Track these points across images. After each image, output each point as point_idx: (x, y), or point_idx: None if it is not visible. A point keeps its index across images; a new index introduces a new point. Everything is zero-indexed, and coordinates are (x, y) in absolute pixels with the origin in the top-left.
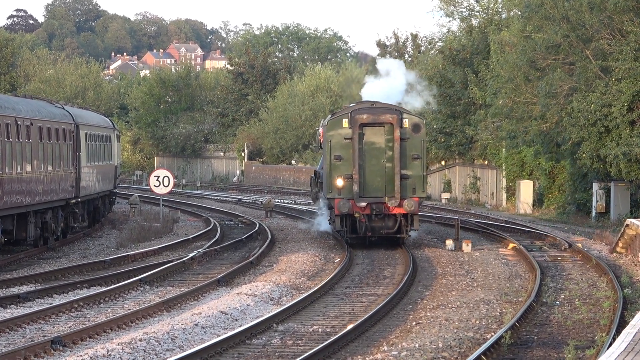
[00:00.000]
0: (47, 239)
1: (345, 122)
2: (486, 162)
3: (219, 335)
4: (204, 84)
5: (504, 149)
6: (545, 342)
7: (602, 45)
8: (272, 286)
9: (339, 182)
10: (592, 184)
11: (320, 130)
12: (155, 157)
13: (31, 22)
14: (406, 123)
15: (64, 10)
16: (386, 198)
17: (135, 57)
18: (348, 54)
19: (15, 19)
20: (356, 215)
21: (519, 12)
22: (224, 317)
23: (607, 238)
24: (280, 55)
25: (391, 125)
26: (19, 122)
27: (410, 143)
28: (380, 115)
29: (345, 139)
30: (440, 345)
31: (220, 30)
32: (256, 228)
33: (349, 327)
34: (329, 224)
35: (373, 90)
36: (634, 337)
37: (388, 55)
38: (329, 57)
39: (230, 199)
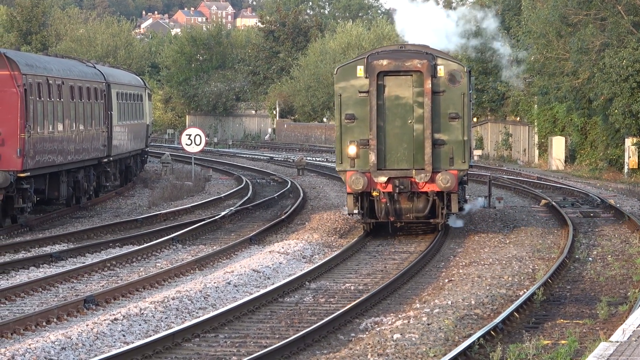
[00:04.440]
0: (79, 198)
1: (360, 70)
2: (518, 118)
3: (251, 294)
4: (235, 42)
5: (535, 105)
6: (578, 298)
7: (634, 0)
8: (305, 244)
9: (352, 149)
10: (624, 139)
11: None
12: (187, 116)
13: None
14: (441, 71)
15: None
16: (414, 171)
17: (166, 15)
18: (379, 11)
19: None
20: (374, 193)
21: None
22: (256, 275)
23: (639, 194)
24: (311, 12)
25: (420, 73)
26: (50, 82)
27: (446, 97)
28: (405, 60)
29: (360, 92)
30: (473, 302)
31: None
32: (288, 186)
33: (382, 284)
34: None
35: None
36: None
37: None
38: (360, 14)
39: (261, 157)
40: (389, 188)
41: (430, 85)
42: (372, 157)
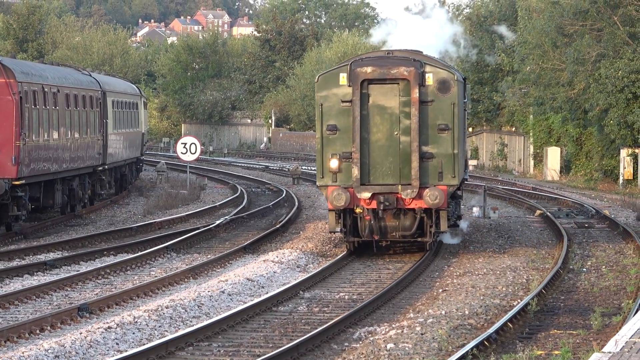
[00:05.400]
0: (74, 206)
1: (343, 78)
2: (513, 128)
3: (245, 302)
4: (231, 51)
5: (531, 116)
6: (572, 308)
7: (630, 11)
8: (299, 253)
9: (334, 163)
10: (619, 150)
11: None
12: (183, 124)
13: None
14: (429, 79)
15: None
16: (400, 186)
17: (162, 24)
18: (375, 21)
19: None
20: (358, 210)
21: None
22: (250, 284)
23: (634, 205)
24: (308, 21)
25: (407, 82)
26: (45, 89)
27: (435, 107)
28: (391, 67)
29: (342, 102)
30: (467, 312)
31: None
32: (283, 195)
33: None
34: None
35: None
36: None
37: None
38: (356, 24)
39: (257, 166)
40: (373, 204)
41: (417, 95)
42: (355, 172)
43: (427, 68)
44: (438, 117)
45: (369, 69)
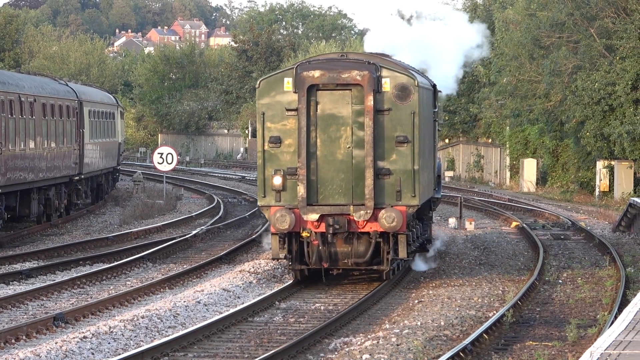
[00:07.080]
0: (50, 216)
1: (287, 83)
2: (490, 140)
3: (221, 313)
4: (208, 61)
5: (507, 127)
6: (547, 320)
7: (606, 23)
8: (275, 264)
9: (277, 180)
10: (595, 162)
11: None
12: (159, 134)
13: None
14: (386, 84)
15: None
16: (351, 207)
17: (139, 34)
18: (352, 32)
19: None
20: (304, 234)
21: None
22: (226, 295)
23: (610, 217)
24: (285, 32)
25: (361, 87)
26: (22, 99)
27: (392, 117)
28: (342, 71)
29: (287, 110)
30: (442, 323)
31: (224, 7)
32: None
33: (351, 304)
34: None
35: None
36: (635, 315)
37: None
38: (333, 35)
39: (234, 177)
40: (322, 227)
41: (372, 102)
42: (301, 190)
43: (384, 72)
44: (396, 128)
45: (316, 73)
